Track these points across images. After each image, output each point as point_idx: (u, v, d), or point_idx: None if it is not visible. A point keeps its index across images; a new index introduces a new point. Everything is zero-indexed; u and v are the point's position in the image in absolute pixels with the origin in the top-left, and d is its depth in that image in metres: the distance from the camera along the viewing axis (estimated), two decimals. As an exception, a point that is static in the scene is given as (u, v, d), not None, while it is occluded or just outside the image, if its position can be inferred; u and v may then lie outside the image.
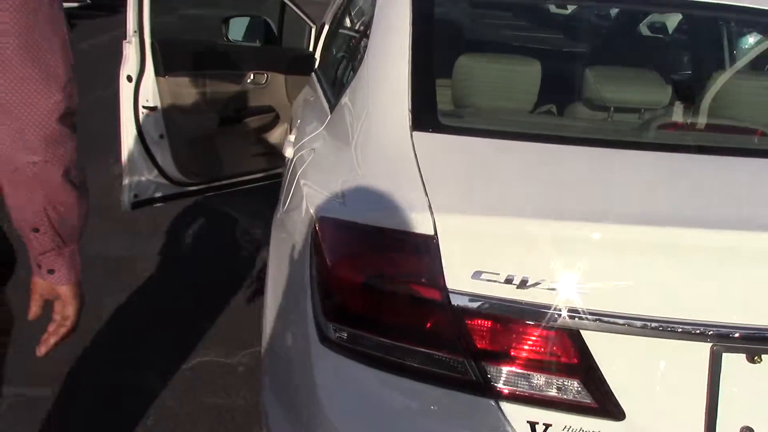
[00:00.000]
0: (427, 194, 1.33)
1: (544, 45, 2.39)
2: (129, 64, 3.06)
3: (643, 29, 3.21)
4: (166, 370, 2.78)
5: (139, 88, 3.11)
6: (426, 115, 1.62)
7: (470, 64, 1.95)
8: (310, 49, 3.96)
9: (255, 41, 3.77)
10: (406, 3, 1.91)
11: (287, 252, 1.68)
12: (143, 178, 3.29)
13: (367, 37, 2.11)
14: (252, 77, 3.61)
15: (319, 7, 4.52)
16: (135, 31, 3.03)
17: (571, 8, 2.67)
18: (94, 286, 3.30)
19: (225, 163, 3.60)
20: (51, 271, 1.25)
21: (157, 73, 3.13)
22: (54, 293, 1.28)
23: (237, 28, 3.73)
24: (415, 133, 1.56)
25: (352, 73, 2.11)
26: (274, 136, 3.79)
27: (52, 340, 1.31)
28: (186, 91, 3.31)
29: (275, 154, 3.80)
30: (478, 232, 1.28)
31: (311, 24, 3.92)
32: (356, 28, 2.46)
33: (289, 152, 2.16)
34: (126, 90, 3.10)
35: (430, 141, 1.54)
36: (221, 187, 3.68)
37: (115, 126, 3.13)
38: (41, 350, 1.31)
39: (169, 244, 3.91)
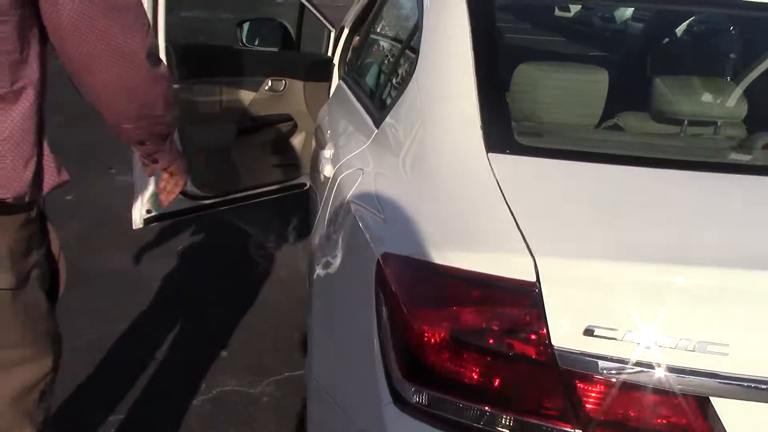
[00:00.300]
0: (521, 231, 1.13)
1: (600, 51, 2.17)
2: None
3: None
4: (185, 401, 2.57)
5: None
6: (500, 134, 1.42)
7: (532, 73, 1.75)
8: (329, 53, 3.77)
9: (272, 46, 3.57)
10: (462, 11, 1.71)
11: (340, 291, 1.48)
12: (155, 193, 3.08)
13: (411, 47, 1.92)
14: (269, 84, 3.41)
15: (335, 10, 4.32)
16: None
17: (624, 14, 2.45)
18: (103, 308, 3.11)
19: (241, 175, 3.40)
20: (155, 161, 1.54)
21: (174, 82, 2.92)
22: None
23: (252, 32, 3.53)
24: (492, 156, 1.36)
25: (397, 86, 1.91)
26: (292, 145, 3.59)
27: (171, 197, 1.73)
28: (201, 99, 3.11)
29: (293, 164, 3.61)
30: (590, 279, 1.08)
31: (330, 27, 3.72)
32: (394, 36, 2.25)
33: (328, 170, 1.95)
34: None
35: (510, 165, 1.34)
36: (237, 200, 3.48)
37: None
38: (164, 201, 1.74)
39: (181, 260, 3.70)
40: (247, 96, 3.32)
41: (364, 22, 3.68)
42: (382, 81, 2.13)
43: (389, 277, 1.23)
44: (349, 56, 3.39)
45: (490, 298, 1.11)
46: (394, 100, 1.79)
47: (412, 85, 1.70)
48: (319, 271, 1.72)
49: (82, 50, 1.14)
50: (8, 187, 1.12)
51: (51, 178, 1.21)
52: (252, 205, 3.54)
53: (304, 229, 4.09)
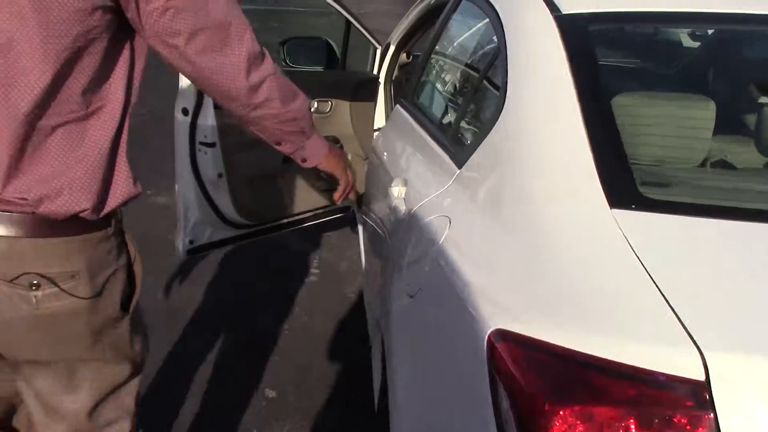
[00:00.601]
0: (677, 315, 0.95)
1: (694, 79, 1.98)
2: (184, 95, 2.68)
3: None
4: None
5: (197, 123, 2.74)
6: (622, 184, 1.24)
7: (632, 105, 1.57)
8: (374, 71, 3.61)
9: (316, 65, 3.41)
10: (555, 40, 1.53)
11: (434, 363, 1.30)
12: (199, 222, 2.93)
13: (491, 79, 1.75)
14: (315, 105, 3.24)
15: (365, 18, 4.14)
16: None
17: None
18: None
19: (287, 201, 3.24)
20: (304, 160, 1.63)
21: (216, 105, 2.75)
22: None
23: (296, 52, 3.36)
24: (617, 214, 1.18)
25: (480, 122, 1.74)
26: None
27: (339, 196, 1.90)
28: (246, 123, 2.94)
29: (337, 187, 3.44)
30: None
31: (377, 45, 3.55)
32: (467, 63, 2.06)
33: (399, 211, 1.78)
34: (181, 125, 2.73)
35: (642, 225, 1.16)
36: (282, 226, 3.32)
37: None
38: (335, 198, 1.90)
39: (220, 291, 3.54)
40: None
41: (411, 40, 3.52)
42: (457, 114, 1.94)
43: (509, 361, 1.05)
44: (407, 78, 3.22)
45: (645, 399, 0.93)
46: (478, 139, 1.61)
47: (502, 124, 1.53)
48: (398, 334, 1.53)
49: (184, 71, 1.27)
50: (87, 203, 1.16)
51: (127, 190, 1.24)
52: (296, 230, 3.39)
53: (352, 255, 3.94)
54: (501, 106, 1.56)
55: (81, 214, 1.16)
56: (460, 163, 1.65)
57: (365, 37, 3.50)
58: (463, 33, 2.18)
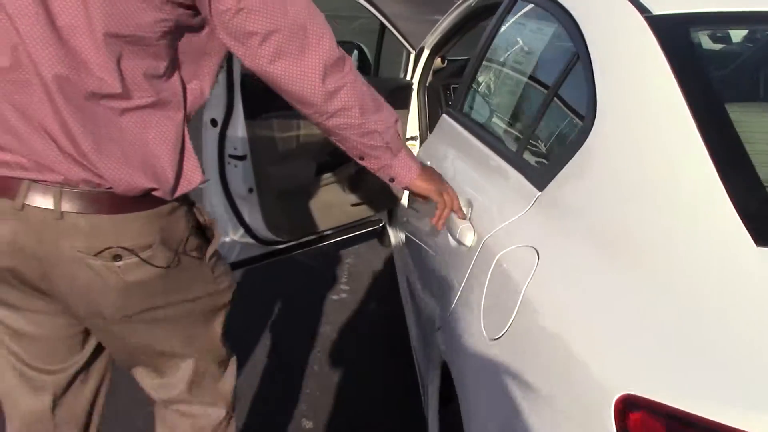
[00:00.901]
0: None
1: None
2: (213, 104, 2.50)
3: None
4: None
5: (226, 134, 2.56)
6: (764, 216, 1.05)
7: (750, 119, 1.37)
8: (407, 77, 3.43)
9: (348, 71, 3.22)
10: (651, 44, 1.35)
11: (533, 427, 1.10)
12: (228, 240, 2.74)
13: (563, 87, 1.56)
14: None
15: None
16: (221, 65, 2.48)
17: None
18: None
19: (319, 216, 3.05)
20: (391, 180, 1.49)
21: (248, 116, 2.57)
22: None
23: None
24: (765, 252, 0.98)
25: (561, 139, 1.55)
26: (371, 181, 3.23)
27: (439, 221, 1.59)
28: (278, 135, 2.75)
29: (372, 201, 3.26)
30: None
31: (411, 49, 3.37)
32: (532, 74, 1.85)
33: (469, 239, 1.59)
34: (210, 136, 2.55)
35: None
36: (312, 242, 3.14)
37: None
38: (440, 225, 1.61)
39: (248, 309, 3.36)
40: (325, 129, 2.97)
41: (448, 44, 3.33)
42: (526, 126, 1.75)
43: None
44: (446, 85, 3.04)
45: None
46: (563, 156, 1.42)
47: (597, 142, 1.34)
48: (477, 386, 1.33)
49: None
50: (158, 184, 1.21)
51: (196, 176, 1.28)
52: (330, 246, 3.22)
53: (381, 268, 3.75)
54: (591, 119, 1.37)
55: (153, 193, 1.21)
56: (540, 184, 1.46)
57: (398, 40, 3.32)
58: (524, 38, 1.99)
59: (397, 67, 3.53)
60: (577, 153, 1.37)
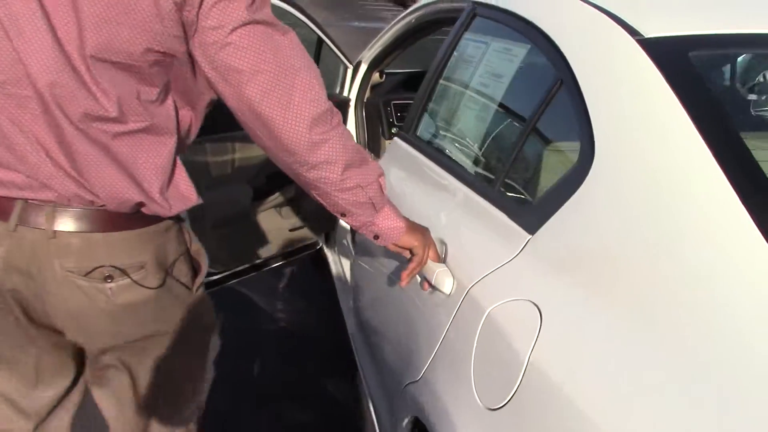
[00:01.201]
0: None
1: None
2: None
3: None
4: None
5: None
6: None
7: (763, 146, 1.26)
8: (345, 92, 3.25)
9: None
10: (649, 69, 1.23)
11: None
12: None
13: (547, 116, 1.43)
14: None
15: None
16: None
17: None
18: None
19: (256, 243, 2.85)
20: (376, 237, 1.39)
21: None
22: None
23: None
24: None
25: (554, 170, 1.41)
26: (309, 204, 3.04)
27: (407, 275, 1.43)
28: (212, 160, 2.54)
29: (310, 224, 3.07)
30: None
31: (348, 64, 3.20)
32: (504, 96, 1.69)
33: (448, 286, 1.43)
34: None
35: None
36: (246, 271, 2.92)
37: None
38: (405, 281, 1.44)
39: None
40: (261, 151, 2.76)
41: (387, 58, 3.17)
42: (503, 160, 1.57)
43: None
44: (397, 105, 2.87)
45: None
46: (557, 198, 1.27)
47: (596, 181, 1.20)
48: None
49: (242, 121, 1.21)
50: (153, 205, 1.20)
51: (190, 198, 1.26)
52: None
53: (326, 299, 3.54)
54: (588, 154, 1.24)
55: (146, 210, 1.20)
56: (530, 226, 1.31)
57: (334, 54, 3.15)
58: (489, 58, 1.83)
59: (333, 82, 3.35)
60: (576, 192, 1.23)
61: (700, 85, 1.23)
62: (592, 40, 1.43)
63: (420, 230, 1.45)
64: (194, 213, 2.39)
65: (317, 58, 3.12)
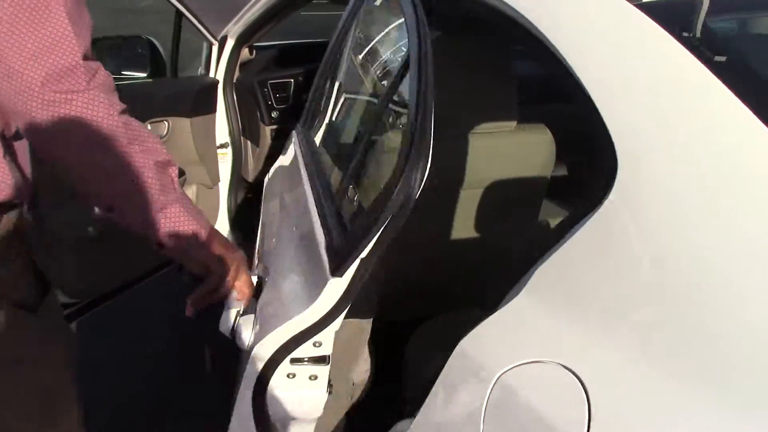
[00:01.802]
0: None
1: None
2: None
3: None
4: None
5: None
6: None
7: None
8: (210, 73, 2.81)
9: (139, 71, 2.54)
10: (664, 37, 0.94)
11: None
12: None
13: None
14: (148, 128, 2.39)
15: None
16: None
17: None
18: None
19: (118, 263, 2.38)
20: (160, 245, 1.09)
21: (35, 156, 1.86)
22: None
23: (111, 57, 2.47)
24: None
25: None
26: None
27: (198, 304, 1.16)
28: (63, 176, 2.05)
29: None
30: None
31: (213, 40, 2.75)
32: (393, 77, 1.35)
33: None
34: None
35: None
36: (113, 293, 2.47)
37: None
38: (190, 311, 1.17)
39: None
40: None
41: (258, 32, 2.75)
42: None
43: None
44: (276, 84, 2.47)
45: None
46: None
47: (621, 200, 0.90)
48: None
49: None
50: None
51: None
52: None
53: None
54: (611, 169, 0.93)
55: None
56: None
57: (196, 29, 2.69)
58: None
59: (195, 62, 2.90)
60: (590, 219, 0.91)
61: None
62: (593, 10, 1.11)
63: (227, 247, 1.15)
64: (41, 232, 1.96)
65: (177, 38, 2.65)
